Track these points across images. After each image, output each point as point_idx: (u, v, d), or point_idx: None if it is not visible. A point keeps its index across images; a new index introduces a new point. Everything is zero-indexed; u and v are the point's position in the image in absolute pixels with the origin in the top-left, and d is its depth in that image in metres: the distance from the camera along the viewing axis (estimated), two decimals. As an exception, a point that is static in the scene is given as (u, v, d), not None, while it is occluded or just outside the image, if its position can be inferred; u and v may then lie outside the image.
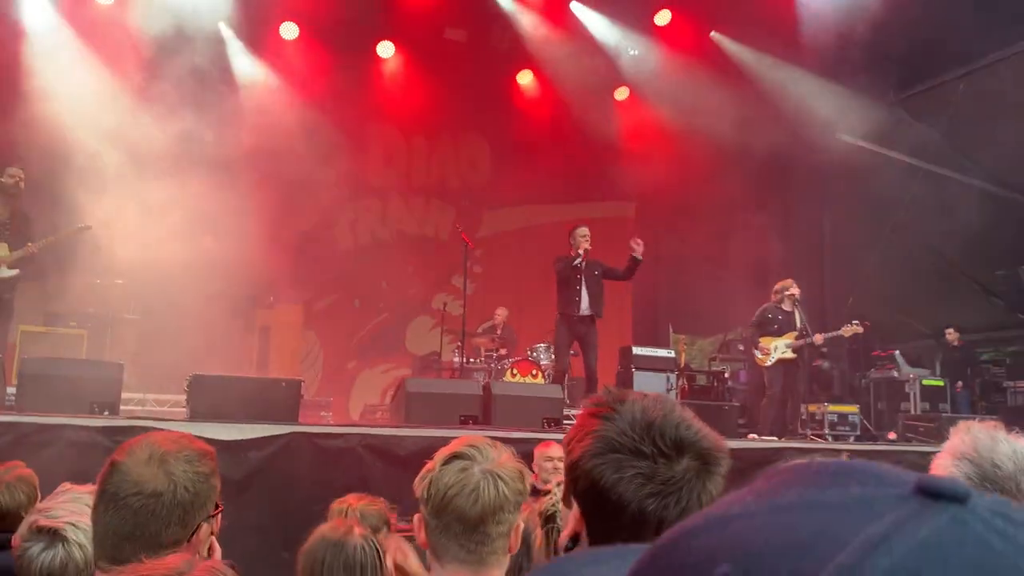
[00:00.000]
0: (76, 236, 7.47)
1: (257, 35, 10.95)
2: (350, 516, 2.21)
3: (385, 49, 11.52)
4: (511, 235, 13.17)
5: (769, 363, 8.68)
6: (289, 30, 10.95)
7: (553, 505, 2.11)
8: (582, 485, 1.18)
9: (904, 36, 10.16)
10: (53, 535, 1.72)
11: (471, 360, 9.85)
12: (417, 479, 1.63)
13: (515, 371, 9.39)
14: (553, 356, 8.78)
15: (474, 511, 1.55)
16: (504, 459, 1.63)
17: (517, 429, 6.08)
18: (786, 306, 8.77)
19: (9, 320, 7.12)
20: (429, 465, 1.64)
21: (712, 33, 11.67)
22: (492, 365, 9.92)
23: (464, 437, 1.70)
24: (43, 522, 1.74)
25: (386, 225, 12.77)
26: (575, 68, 11.78)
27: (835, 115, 10.85)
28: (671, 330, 11.18)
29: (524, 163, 12.27)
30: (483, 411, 6.50)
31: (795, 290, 8.81)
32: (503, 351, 10.31)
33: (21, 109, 8.86)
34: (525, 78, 12.26)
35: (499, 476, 1.58)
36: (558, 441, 4.68)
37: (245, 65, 10.94)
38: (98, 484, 1.58)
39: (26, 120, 8.77)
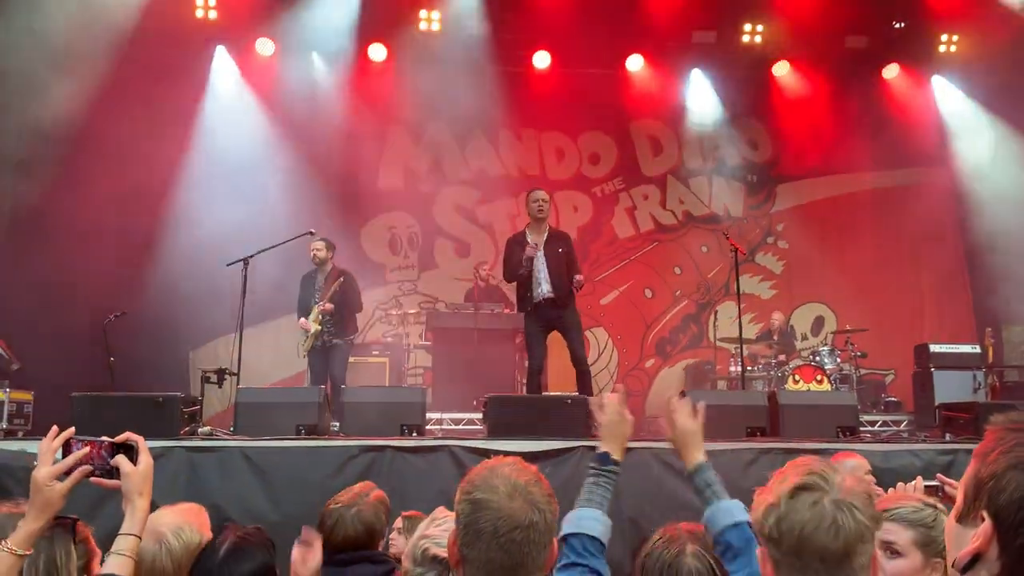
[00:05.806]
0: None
1: (511, 65, 11.47)
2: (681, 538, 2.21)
3: (634, 63, 11.58)
4: (816, 206, 12.26)
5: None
6: (542, 59, 11.38)
7: None
8: (1004, 500, 1.10)
9: None
10: (444, 566, 1.90)
11: (749, 368, 9.52)
12: (757, 513, 1.55)
13: (797, 377, 8.97)
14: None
15: (836, 546, 1.46)
16: (849, 484, 1.52)
17: (810, 440, 5.77)
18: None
19: (334, 363, 8.02)
20: (766, 498, 1.55)
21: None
22: (772, 372, 9.55)
23: (798, 461, 1.60)
24: (436, 551, 1.91)
25: (668, 208, 12.24)
26: (833, 53, 11.26)
27: None
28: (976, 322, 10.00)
29: (809, 140, 11.71)
30: (770, 422, 6.24)
31: None
32: (782, 357, 9.89)
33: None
34: (782, 69, 11.73)
35: (852, 505, 1.49)
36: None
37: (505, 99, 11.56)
38: (464, 519, 1.67)
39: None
